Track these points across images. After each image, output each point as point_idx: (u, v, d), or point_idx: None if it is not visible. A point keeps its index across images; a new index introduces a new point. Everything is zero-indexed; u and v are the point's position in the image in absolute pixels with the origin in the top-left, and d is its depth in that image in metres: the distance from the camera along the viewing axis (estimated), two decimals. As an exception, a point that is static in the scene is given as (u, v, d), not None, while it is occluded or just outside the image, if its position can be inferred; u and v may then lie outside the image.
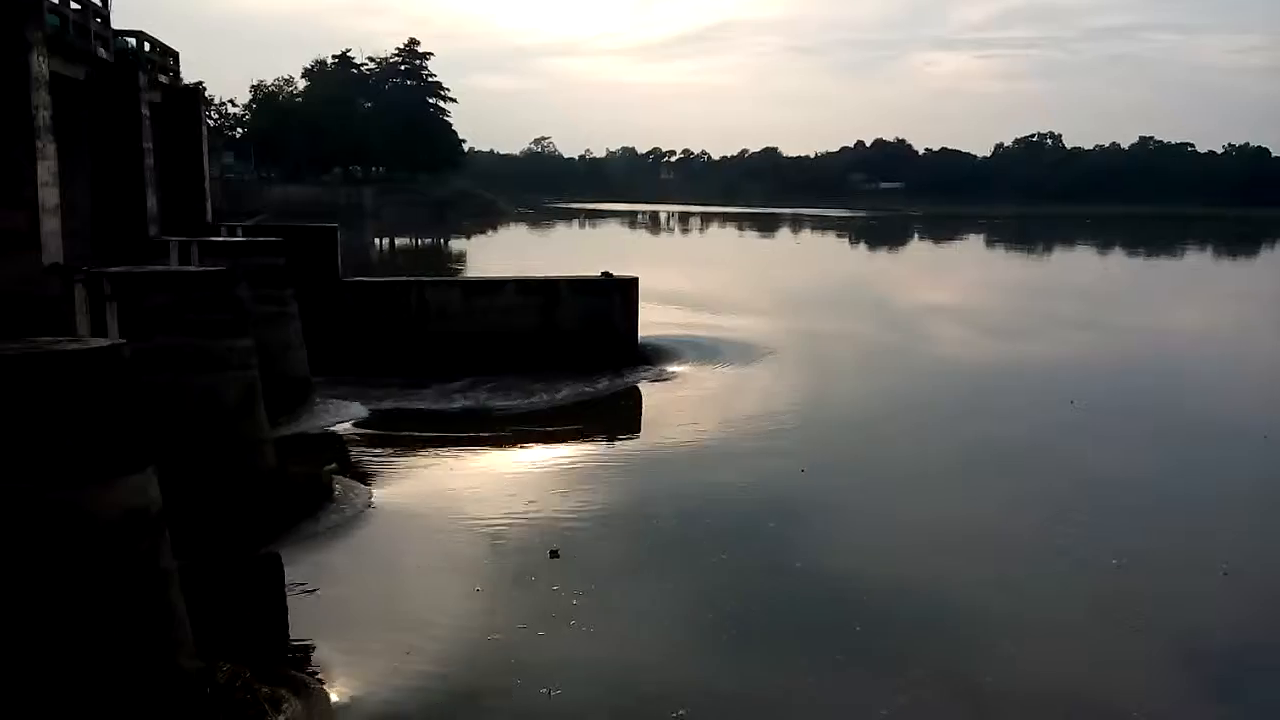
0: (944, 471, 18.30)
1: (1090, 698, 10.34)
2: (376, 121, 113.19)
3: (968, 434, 21.26)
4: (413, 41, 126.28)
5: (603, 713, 9.78)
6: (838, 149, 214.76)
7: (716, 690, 10.23)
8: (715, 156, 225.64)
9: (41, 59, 17.74)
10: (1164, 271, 72.83)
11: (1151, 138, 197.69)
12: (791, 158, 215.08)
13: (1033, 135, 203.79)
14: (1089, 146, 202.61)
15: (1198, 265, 79.17)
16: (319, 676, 10.19)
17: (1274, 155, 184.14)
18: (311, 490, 15.20)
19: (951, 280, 59.53)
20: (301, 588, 12.71)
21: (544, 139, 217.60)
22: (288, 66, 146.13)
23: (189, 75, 33.51)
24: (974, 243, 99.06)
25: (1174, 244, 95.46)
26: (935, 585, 12.78)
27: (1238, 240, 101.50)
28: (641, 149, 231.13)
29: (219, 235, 25.28)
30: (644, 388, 25.37)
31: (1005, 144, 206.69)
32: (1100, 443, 20.54)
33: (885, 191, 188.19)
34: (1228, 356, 33.11)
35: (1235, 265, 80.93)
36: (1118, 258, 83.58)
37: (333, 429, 20.45)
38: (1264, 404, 25.16)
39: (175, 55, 32.14)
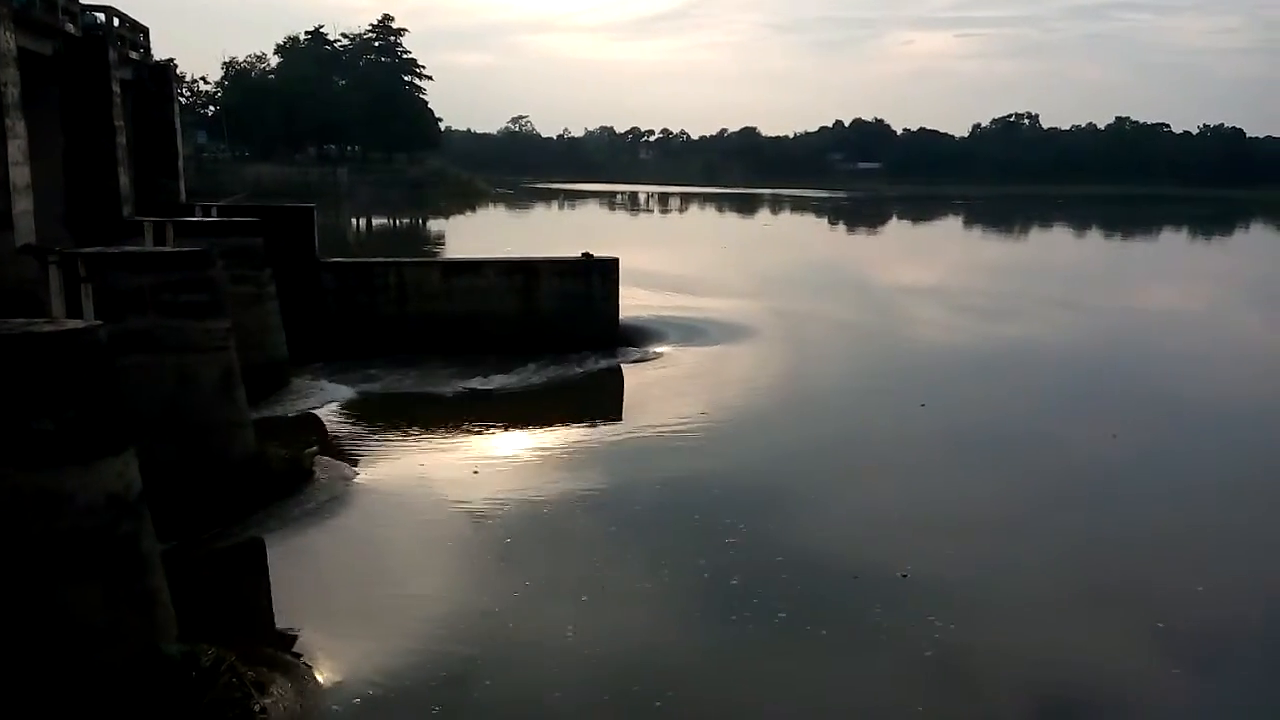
0: (927, 455, 18.45)
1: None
2: (351, 99, 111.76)
3: (953, 416, 21.43)
4: (386, 18, 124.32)
5: (588, 694, 9.86)
6: (817, 129, 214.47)
7: (704, 674, 10.35)
8: (694, 136, 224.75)
9: (9, 34, 17.44)
10: (1135, 252, 73.58)
11: (1128, 118, 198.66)
12: (771, 137, 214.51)
13: (1010, 115, 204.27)
14: (1066, 127, 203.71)
15: (1169, 246, 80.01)
16: (305, 659, 10.20)
17: (1249, 136, 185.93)
18: (292, 473, 15.15)
19: (928, 261, 59.83)
20: (285, 570, 12.69)
21: (522, 118, 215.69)
22: (260, 43, 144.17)
23: (159, 52, 32.94)
24: (951, 223, 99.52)
25: (1146, 224, 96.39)
26: (927, 571, 12.84)
27: (1209, 221, 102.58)
28: (620, 128, 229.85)
29: (194, 215, 24.98)
30: (626, 369, 25.40)
31: (983, 124, 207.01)
32: (1089, 422, 20.84)
33: (864, 172, 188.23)
34: (1189, 340, 33.59)
35: (1205, 246, 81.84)
36: (1093, 238, 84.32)
37: (312, 411, 20.35)
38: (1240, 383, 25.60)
39: (145, 31, 31.61)
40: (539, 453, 17.74)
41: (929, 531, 14.22)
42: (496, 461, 17.15)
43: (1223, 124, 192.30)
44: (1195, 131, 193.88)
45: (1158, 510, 15.71)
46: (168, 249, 17.46)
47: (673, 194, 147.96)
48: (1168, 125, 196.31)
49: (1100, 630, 11.44)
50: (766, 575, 12.47)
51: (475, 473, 16.26)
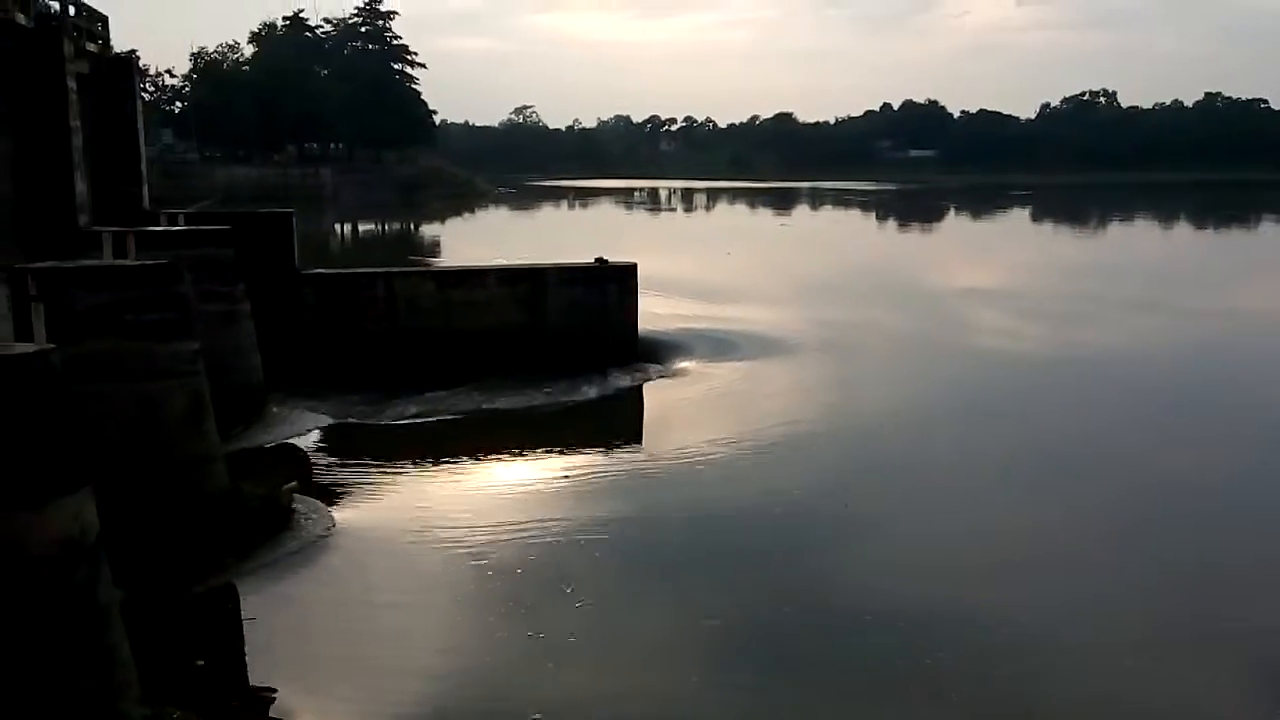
0: (996, 485, 18.31)
1: None
2: (334, 91, 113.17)
3: (1022, 438, 21.31)
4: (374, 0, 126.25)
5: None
6: (861, 113, 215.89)
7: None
8: (722, 124, 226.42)
9: (-49, 27, 17.77)
10: (1233, 247, 72.89)
11: (1219, 94, 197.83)
12: (809, 124, 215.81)
13: (1084, 94, 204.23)
14: (1148, 105, 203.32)
15: (1275, 240, 79.16)
16: (283, 723, 10.23)
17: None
18: (269, 512, 15.21)
19: (992, 261, 59.58)
20: (260, 623, 12.73)
21: (526, 109, 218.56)
22: (233, 31, 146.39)
23: (121, 43, 33.53)
24: (1017, 217, 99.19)
25: (1244, 215, 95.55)
26: (991, 625, 12.68)
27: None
28: (637, 117, 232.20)
29: (158, 224, 25.28)
30: (646, 389, 25.44)
31: (1052, 104, 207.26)
32: (1179, 442, 20.69)
33: (916, 160, 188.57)
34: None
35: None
36: (1182, 232, 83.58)
37: (291, 442, 20.48)
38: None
39: (104, 20, 32.12)
40: (547, 486, 17.76)
41: (1007, 581, 14.13)
42: (499, 498, 17.17)
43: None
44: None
45: (1245, 537, 15.53)
46: (129, 262, 17.69)
47: (698, 190, 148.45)
48: (1265, 101, 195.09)
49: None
50: (817, 638, 12.34)
51: (483, 511, 16.32)
